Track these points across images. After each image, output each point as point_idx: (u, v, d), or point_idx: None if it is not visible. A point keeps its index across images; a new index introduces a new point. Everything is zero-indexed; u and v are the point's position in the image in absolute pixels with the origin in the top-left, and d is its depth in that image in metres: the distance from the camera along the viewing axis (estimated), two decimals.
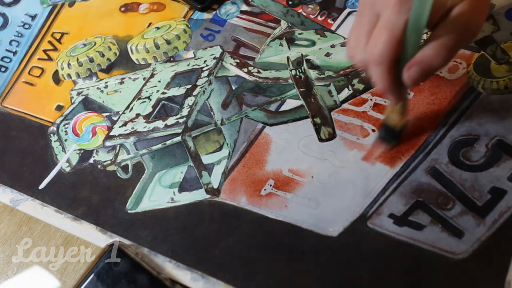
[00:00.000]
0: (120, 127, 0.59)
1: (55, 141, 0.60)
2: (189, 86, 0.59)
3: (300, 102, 0.56)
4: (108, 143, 0.58)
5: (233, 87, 0.59)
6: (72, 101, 0.62)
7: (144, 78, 0.62)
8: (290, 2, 0.63)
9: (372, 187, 0.51)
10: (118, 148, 0.58)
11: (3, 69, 0.66)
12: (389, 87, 0.46)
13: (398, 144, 0.52)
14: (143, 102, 0.60)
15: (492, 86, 0.53)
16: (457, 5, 0.43)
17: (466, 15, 0.43)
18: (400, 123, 0.51)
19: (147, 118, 0.58)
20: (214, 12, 0.64)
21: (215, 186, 0.54)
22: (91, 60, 0.63)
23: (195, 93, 0.59)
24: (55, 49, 0.66)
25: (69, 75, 0.64)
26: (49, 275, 0.53)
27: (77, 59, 0.63)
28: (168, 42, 0.62)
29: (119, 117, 0.60)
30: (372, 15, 0.44)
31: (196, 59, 0.62)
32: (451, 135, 0.52)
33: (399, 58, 0.44)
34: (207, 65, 0.60)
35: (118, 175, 0.57)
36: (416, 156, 0.52)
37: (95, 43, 0.65)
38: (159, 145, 0.57)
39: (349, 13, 0.61)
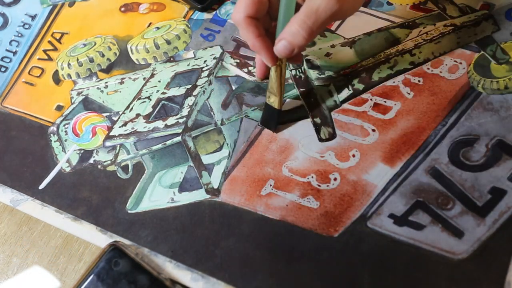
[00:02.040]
0: (120, 127, 0.59)
1: (55, 141, 0.60)
2: (189, 86, 0.59)
3: (300, 102, 0.56)
4: (108, 143, 0.58)
5: (233, 87, 0.59)
6: (72, 101, 0.62)
7: (144, 78, 0.62)
8: None
9: (372, 187, 0.51)
10: (118, 148, 0.58)
11: (3, 69, 0.66)
12: (255, 42, 0.48)
13: (277, 127, 0.55)
14: (143, 102, 0.60)
15: (492, 86, 0.53)
16: None
17: (328, 4, 0.45)
18: (279, 99, 0.52)
19: (147, 118, 0.58)
20: (214, 12, 0.64)
21: (215, 186, 0.54)
22: (91, 60, 0.63)
23: (195, 93, 0.59)
24: (55, 49, 0.66)
25: (69, 75, 0.64)
26: (49, 275, 0.53)
27: (77, 59, 0.64)
28: (168, 42, 0.62)
29: (119, 117, 0.60)
30: None
31: (196, 59, 0.62)
32: (451, 135, 0.52)
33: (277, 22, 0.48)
34: (207, 65, 0.60)
35: (118, 175, 0.57)
36: (416, 156, 0.52)
37: (95, 43, 0.65)
38: (159, 145, 0.57)
39: None
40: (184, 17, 0.65)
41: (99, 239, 0.53)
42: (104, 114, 0.60)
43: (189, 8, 0.65)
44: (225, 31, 0.63)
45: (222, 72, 0.60)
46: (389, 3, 0.60)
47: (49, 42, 0.66)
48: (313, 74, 0.57)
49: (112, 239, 0.53)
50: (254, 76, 0.59)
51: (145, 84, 0.61)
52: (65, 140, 0.60)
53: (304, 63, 0.58)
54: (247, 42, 0.50)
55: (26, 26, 0.68)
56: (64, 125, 0.60)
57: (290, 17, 0.47)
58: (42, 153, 0.59)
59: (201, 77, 0.60)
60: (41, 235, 0.55)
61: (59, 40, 0.66)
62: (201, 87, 0.59)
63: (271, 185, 0.53)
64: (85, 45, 0.65)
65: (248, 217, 0.52)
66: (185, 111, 0.57)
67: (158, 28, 0.64)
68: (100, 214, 0.55)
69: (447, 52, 0.56)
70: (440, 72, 0.55)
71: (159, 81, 0.61)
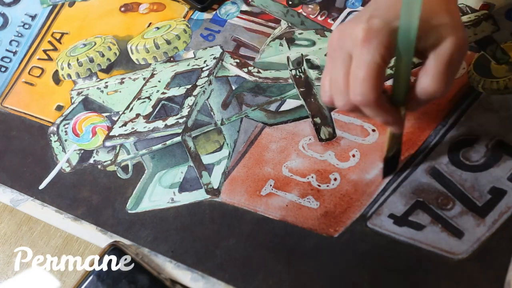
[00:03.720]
0: (120, 127, 0.59)
1: (55, 141, 0.60)
2: (189, 86, 0.59)
3: (300, 102, 0.56)
4: (108, 143, 0.58)
5: (233, 87, 0.59)
6: (72, 101, 0.62)
7: (144, 78, 0.62)
8: (290, 2, 0.63)
9: (372, 187, 0.51)
10: (118, 148, 0.58)
11: (3, 69, 0.66)
12: (388, 118, 0.44)
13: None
14: (143, 102, 0.60)
15: (492, 86, 0.53)
16: (447, 36, 0.41)
17: (457, 44, 0.42)
18: (395, 148, 0.50)
19: (147, 118, 0.58)
20: (214, 12, 0.65)
21: (215, 186, 0.54)
22: (91, 60, 0.63)
23: (195, 93, 0.59)
24: (55, 49, 0.66)
25: (69, 75, 0.64)
26: (49, 275, 0.53)
27: (77, 59, 0.63)
28: (168, 42, 0.62)
29: (119, 117, 0.60)
30: (345, 56, 0.43)
31: (196, 59, 0.62)
32: (451, 135, 0.52)
33: (393, 86, 0.44)
34: (207, 65, 0.60)
35: (118, 175, 0.57)
36: (416, 156, 0.52)
37: (95, 43, 0.65)
38: (159, 145, 0.57)
39: (349, 13, 0.61)
40: (184, 17, 0.65)
41: (99, 239, 0.53)
42: (104, 114, 0.60)
43: (189, 8, 0.65)
44: (225, 31, 0.63)
45: (222, 72, 0.60)
46: None
47: (49, 42, 0.66)
48: (313, 74, 0.57)
49: (112, 239, 0.53)
50: (254, 76, 0.59)
51: (145, 84, 0.61)
52: (65, 140, 0.60)
53: (304, 63, 0.58)
54: (376, 119, 0.44)
55: (26, 26, 0.68)
56: (64, 125, 0.60)
57: (409, 77, 0.43)
58: (42, 153, 0.59)
59: (201, 77, 0.60)
60: (41, 235, 0.55)
61: (59, 40, 0.66)
62: (201, 87, 0.59)
63: (271, 185, 0.53)
64: (85, 45, 0.65)
65: (248, 217, 0.52)
66: (185, 111, 0.57)
67: (158, 28, 0.64)
68: (100, 214, 0.55)
69: None
70: None
71: (159, 81, 0.61)
